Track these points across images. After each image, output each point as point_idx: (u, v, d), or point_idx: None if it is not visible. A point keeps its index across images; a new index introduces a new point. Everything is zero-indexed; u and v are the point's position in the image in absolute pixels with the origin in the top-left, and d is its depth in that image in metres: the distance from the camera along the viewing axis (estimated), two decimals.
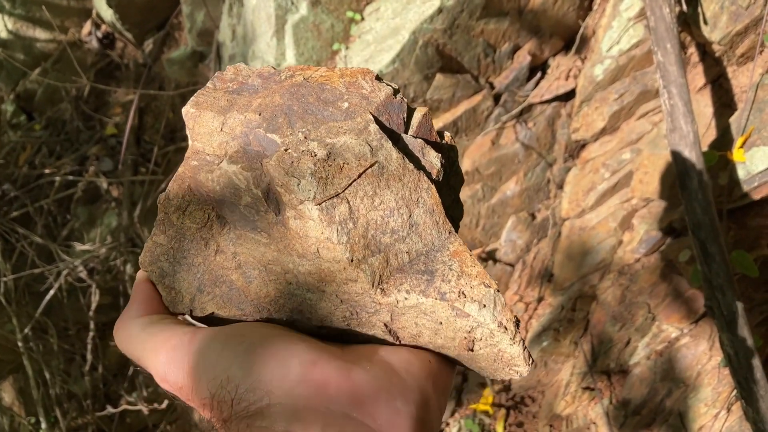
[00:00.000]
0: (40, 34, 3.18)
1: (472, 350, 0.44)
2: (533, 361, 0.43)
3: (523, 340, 0.43)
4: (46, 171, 3.02)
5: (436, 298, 0.43)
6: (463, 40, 1.77)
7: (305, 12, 1.72)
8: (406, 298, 0.43)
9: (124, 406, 2.86)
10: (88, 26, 3.17)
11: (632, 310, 2.04)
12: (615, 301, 2.07)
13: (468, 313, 0.43)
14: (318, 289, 0.46)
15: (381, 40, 1.72)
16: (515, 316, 0.44)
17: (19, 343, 2.78)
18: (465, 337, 0.43)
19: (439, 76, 1.78)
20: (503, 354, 0.44)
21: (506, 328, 0.43)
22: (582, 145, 2.06)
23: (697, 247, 1.50)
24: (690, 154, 1.50)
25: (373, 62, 1.70)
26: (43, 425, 2.81)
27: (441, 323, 0.44)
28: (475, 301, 0.43)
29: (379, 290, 0.44)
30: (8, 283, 2.76)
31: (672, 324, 1.97)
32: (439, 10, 1.67)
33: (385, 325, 0.46)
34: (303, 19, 1.72)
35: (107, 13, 2.96)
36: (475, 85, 1.87)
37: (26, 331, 2.77)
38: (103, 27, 3.19)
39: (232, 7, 2.21)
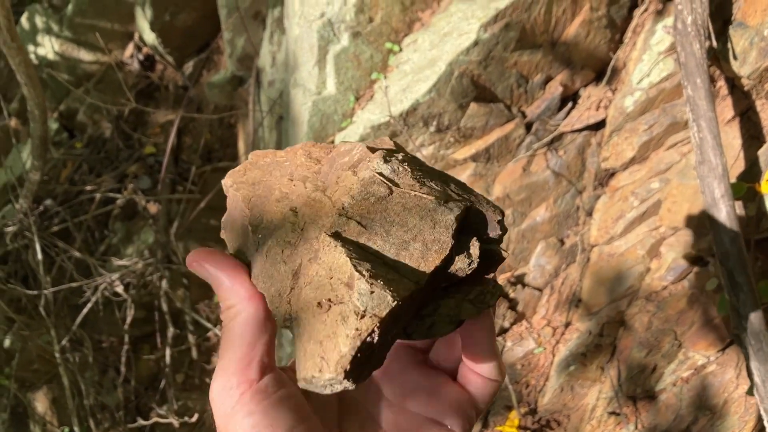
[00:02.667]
0: (84, 55, 3.30)
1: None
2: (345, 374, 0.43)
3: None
4: (87, 188, 3.12)
5: None
6: (497, 71, 1.83)
7: (346, 43, 1.79)
8: None
9: (155, 419, 2.93)
10: (130, 49, 3.29)
11: (659, 336, 2.07)
12: (642, 328, 2.10)
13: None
14: None
15: (418, 70, 1.79)
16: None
17: (56, 354, 2.87)
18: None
19: (473, 105, 1.85)
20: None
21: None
22: (611, 174, 2.10)
23: (725, 277, 1.54)
24: (719, 185, 1.55)
25: (411, 91, 1.76)
26: None
27: None
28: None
29: None
30: (48, 295, 2.85)
31: (699, 351, 2.00)
32: (475, 43, 1.73)
33: None
34: (344, 50, 1.80)
35: (150, 37, 3.07)
36: (508, 114, 1.93)
37: (63, 342, 2.86)
38: (145, 50, 3.31)
39: (273, 35, 2.29)
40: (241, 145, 2.89)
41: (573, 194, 2.13)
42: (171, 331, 2.96)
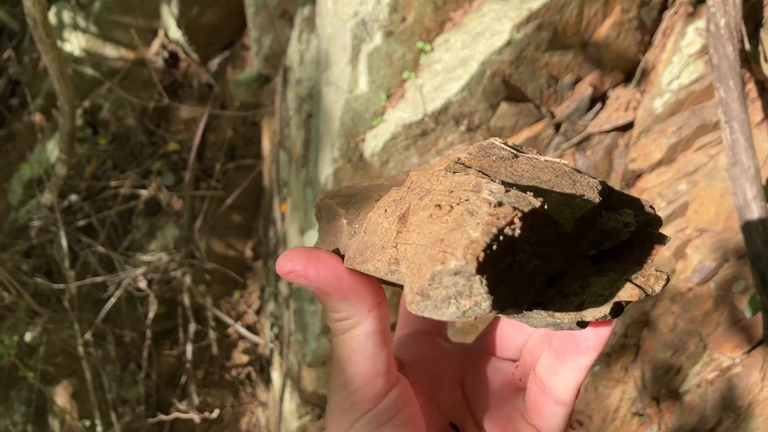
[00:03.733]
0: (109, 52, 3.33)
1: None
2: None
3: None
4: (111, 184, 3.15)
5: None
6: (528, 71, 1.84)
7: (379, 42, 1.81)
8: None
9: (177, 414, 2.95)
10: (155, 46, 3.32)
11: (684, 337, 2.08)
12: (667, 329, 2.11)
13: None
14: None
15: (450, 69, 1.80)
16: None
17: (80, 348, 2.89)
18: None
19: (503, 105, 1.86)
20: None
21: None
22: (638, 175, 2.11)
23: (757, 278, 1.55)
24: (751, 187, 1.55)
25: (443, 90, 1.78)
26: (99, 428, 2.91)
27: None
28: None
29: None
30: (72, 289, 2.88)
31: (724, 353, 2.00)
32: (508, 43, 1.75)
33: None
34: (377, 49, 1.81)
35: (175, 34, 3.10)
36: (537, 114, 1.95)
37: (87, 336, 2.89)
38: (170, 47, 3.34)
39: (302, 33, 2.31)
40: (266, 143, 2.91)
41: None
42: (193, 326, 2.98)
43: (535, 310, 0.39)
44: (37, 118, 3.47)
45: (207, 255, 2.93)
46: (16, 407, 3.17)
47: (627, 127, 2.06)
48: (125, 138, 3.35)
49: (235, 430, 3.17)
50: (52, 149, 3.27)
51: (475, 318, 0.33)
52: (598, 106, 2.05)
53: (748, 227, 1.56)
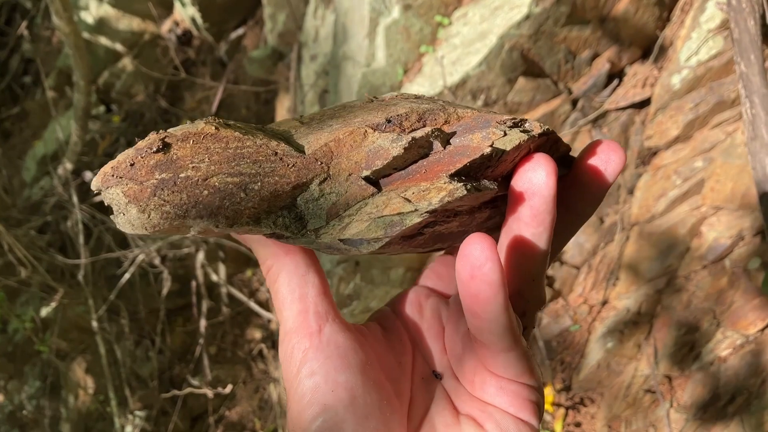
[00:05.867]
0: (122, 27, 3.33)
1: None
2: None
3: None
4: None
5: None
6: (546, 45, 1.84)
7: (397, 15, 1.81)
8: None
9: (190, 389, 2.98)
10: (168, 23, 3.31)
11: (698, 315, 2.08)
12: (681, 306, 2.11)
13: None
14: None
15: (468, 43, 1.80)
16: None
17: (94, 323, 2.92)
18: None
19: (521, 80, 1.86)
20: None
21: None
22: (654, 152, 2.11)
23: None
24: None
25: (461, 64, 1.78)
26: (113, 402, 2.94)
27: None
28: None
29: None
30: (87, 265, 2.90)
31: (738, 330, 2.00)
32: (527, 17, 1.74)
33: None
34: (395, 22, 1.81)
35: (190, 11, 3.10)
36: (554, 90, 1.94)
37: (100, 312, 2.91)
38: (183, 24, 3.34)
39: (317, 9, 2.31)
40: (280, 120, 2.91)
41: None
42: (206, 303, 3.00)
43: (305, 234, 0.41)
44: (50, 95, 3.48)
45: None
46: (30, 382, 3.20)
47: (644, 104, 2.05)
48: (138, 115, 3.36)
49: (248, 405, 3.20)
50: (66, 126, 3.28)
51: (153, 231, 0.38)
52: (615, 82, 2.04)
53: (766, 202, 1.56)
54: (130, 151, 0.38)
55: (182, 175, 0.38)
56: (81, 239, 2.86)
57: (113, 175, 0.38)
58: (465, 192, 0.39)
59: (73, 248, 3.14)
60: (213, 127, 0.39)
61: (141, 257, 2.90)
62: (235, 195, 0.39)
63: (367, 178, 0.41)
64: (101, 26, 3.28)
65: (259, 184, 0.39)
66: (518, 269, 0.44)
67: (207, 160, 0.39)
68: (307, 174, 0.40)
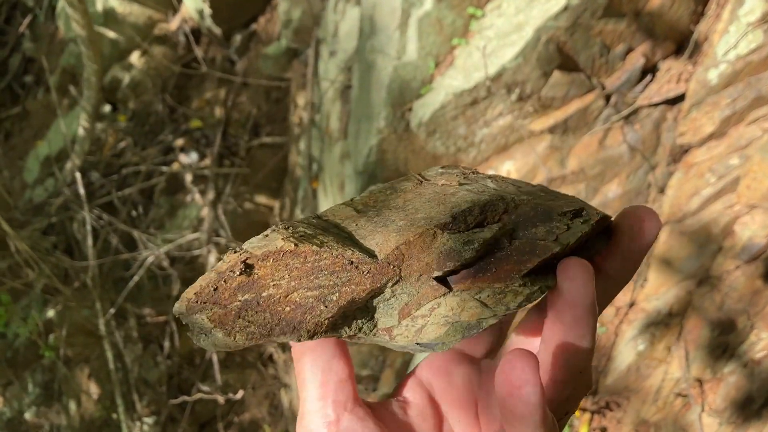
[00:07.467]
0: (129, 23, 3.27)
1: None
2: None
3: None
4: (133, 161, 3.09)
5: None
6: (582, 39, 1.78)
7: (429, 7, 1.75)
8: None
9: (199, 395, 2.91)
10: (176, 21, 3.25)
11: (730, 317, 2.03)
12: (713, 308, 2.06)
13: None
14: None
15: (503, 35, 1.74)
16: None
17: (101, 327, 2.84)
18: None
19: (556, 73, 1.81)
20: None
21: None
22: (685, 150, 2.06)
23: None
24: None
25: (496, 57, 1.72)
26: (121, 408, 2.87)
27: None
28: None
29: None
30: (94, 267, 2.82)
31: None
32: (565, 8, 1.69)
33: None
34: (427, 14, 1.76)
35: (200, 6, 3.03)
36: (588, 84, 1.89)
37: (108, 315, 2.83)
38: (191, 22, 3.27)
39: (338, 4, 2.25)
40: (294, 119, 2.85)
41: (645, 170, 2.09)
42: None
43: (377, 333, 0.43)
44: (53, 95, 3.40)
45: (232, 233, 2.88)
46: (30, 389, 3.13)
47: (677, 100, 2.00)
48: (145, 115, 3.29)
49: (257, 411, 3.13)
50: (69, 125, 3.21)
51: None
52: (648, 78, 1.99)
53: None
54: (211, 275, 0.40)
55: (264, 294, 0.40)
56: (89, 241, 2.78)
57: (197, 301, 0.40)
58: (541, 296, 0.41)
59: (79, 250, 3.06)
60: (292, 244, 0.40)
61: (150, 259, 2.83)
62: (315, 308, 0.40)
63: (437, 278, 0.42)
64: (108, 19, 3.21)
65: (337, 294, 0.41)
66: (564, 365, 0.44)
67: (287, 276, 0.40)
68: (381, 279, 0.41)
